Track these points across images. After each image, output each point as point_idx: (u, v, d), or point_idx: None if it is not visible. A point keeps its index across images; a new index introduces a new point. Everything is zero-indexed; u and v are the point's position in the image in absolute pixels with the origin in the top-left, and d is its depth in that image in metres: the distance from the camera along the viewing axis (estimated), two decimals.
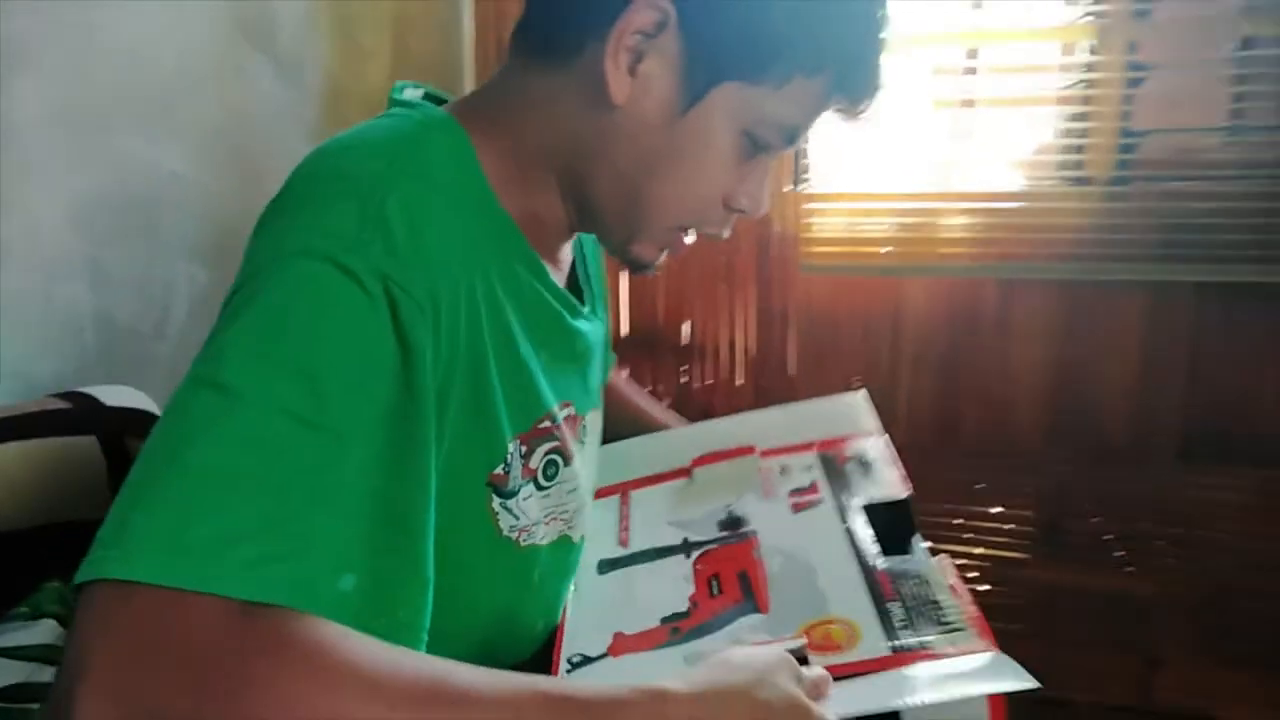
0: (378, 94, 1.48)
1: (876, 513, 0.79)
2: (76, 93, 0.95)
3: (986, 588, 1.76)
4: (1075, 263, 1.65)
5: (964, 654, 0.63)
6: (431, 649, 0.56)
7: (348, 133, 0.65)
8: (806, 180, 1.73)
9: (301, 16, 1.31)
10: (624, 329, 1.80)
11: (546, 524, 0.73)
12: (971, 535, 1.76)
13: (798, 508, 0.83)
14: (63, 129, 0.94)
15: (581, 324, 0.78)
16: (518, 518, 0.70)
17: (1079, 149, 1.66)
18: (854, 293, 1.76)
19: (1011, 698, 0.59)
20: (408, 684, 0.47)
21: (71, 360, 0.97)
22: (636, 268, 0.76)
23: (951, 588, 0.70)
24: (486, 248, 0.66)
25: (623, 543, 0.85)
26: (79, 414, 0.87)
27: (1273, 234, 1.56)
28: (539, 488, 0.72)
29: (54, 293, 0.94)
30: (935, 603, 0.68)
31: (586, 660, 0.71)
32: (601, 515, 0.88)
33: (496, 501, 0.67)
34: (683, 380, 1.82)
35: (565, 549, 0.77)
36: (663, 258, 0.75)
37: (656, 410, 1.08)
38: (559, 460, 0.73)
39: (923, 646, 0.64)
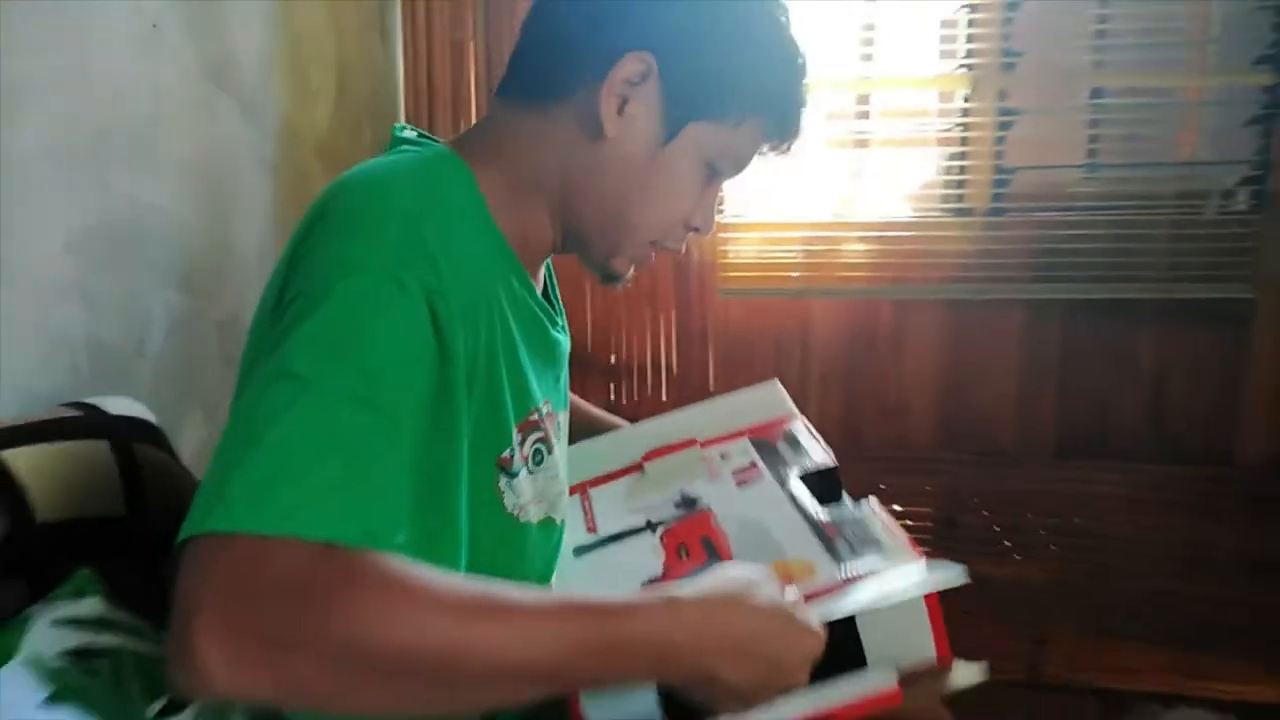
0: (323, 132, 1.59)
1: (810, 480, 0.92)
2: (68, 130, 1.03)
3: None
4: (960, 284, 1.84)
5: (901, 568, 0.76)
6: None
7: (371, 166, 0.75)
8: (721, 210, 1.88)
9: (261, 60, 1.41)
10: None
11: (535, 505, 0.83)
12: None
13: (742, 483, 0.95)
14: (56, 164, 1.01)
15: (558, 334, 0.89)
16: (518, 497, 0.80)
17: (959, 184, 1.86)
18: (766, 314, 1.92)
19: None
20: (465, 599, 0.58)
21: (66, 376, 1.03)
22: (610, 279, 0.87)
23: (884, 524, 0.83)
24: (493, 264, 0.77)
25: (591, 530, 0.95)
26: (89, 421, 0.94)
27: (1128, 256, 1.78)
28: (529, 471, 0.81)
29: (51, 314, 1.01)
30: (875, 539, 0.81)
31: None
32: (568, 512, 0.96)
33: (503, 480, 0.78)
34: (611, 398, 1.94)
35: (549, 529, 0.87)
36: (632, 271, 0.87)
37: (600, 414, 1.19)
38: (543, 449, 0.83)
39: (869, 570, 0.77)
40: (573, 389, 1.02)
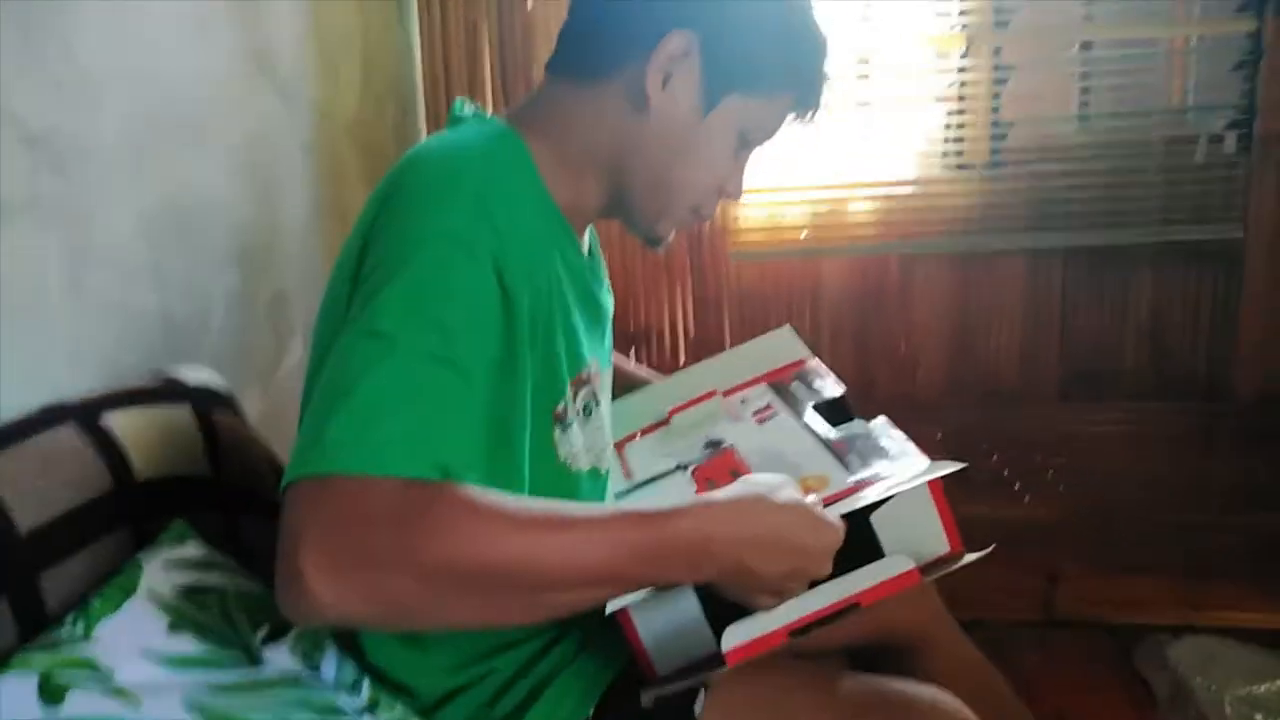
0: (351, 113, 1.66)
1: (822, 409, 0.99)
2: (135, 120, 1.10)
3: None
4: (963, 237, 1.91)
5: (905, 465, 0.84)
6: None
7: (438, 143, 0.82)
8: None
9: (295, 48, 1.48)
10: None
11: (585, 454, 0.90)
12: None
13: (761, 420, 1.02)
14: (127, 152, 1.09)
15: (603, 295, 0.97)
16: (571, 446, 0.86)
17: (959, 140, 1.93)
18: (778, 275, 1.99)
19: None
20: (535, 515, 0.66)
21: (143, 351, 1.11)
22: (654, 243, 0.94)
23: (890, 436, 0.91)
24: (549, 231, 0.84)
25: (627, 477, 1.03)
26: (172, 390, 1.02)
27: (1123, 203, 1.86)
28: (580, 424, 0.88)
29: (129, 294, 1.09)
30: (882, 449, 0.89)
31: None
32: None
33: (558, 431, 0.84)
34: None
35: (596, 477, 0.94)
36: (673, 235, 0.95)
37: (633, 369, 1.27)
38: (592, 403, 0.90)
39: (876, 475, 0.85)
40: None
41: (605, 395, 0.98)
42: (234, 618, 0.84)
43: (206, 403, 1.04)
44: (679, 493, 0.95)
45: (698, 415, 1.08)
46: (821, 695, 0.93)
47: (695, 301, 1.99)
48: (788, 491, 0.75)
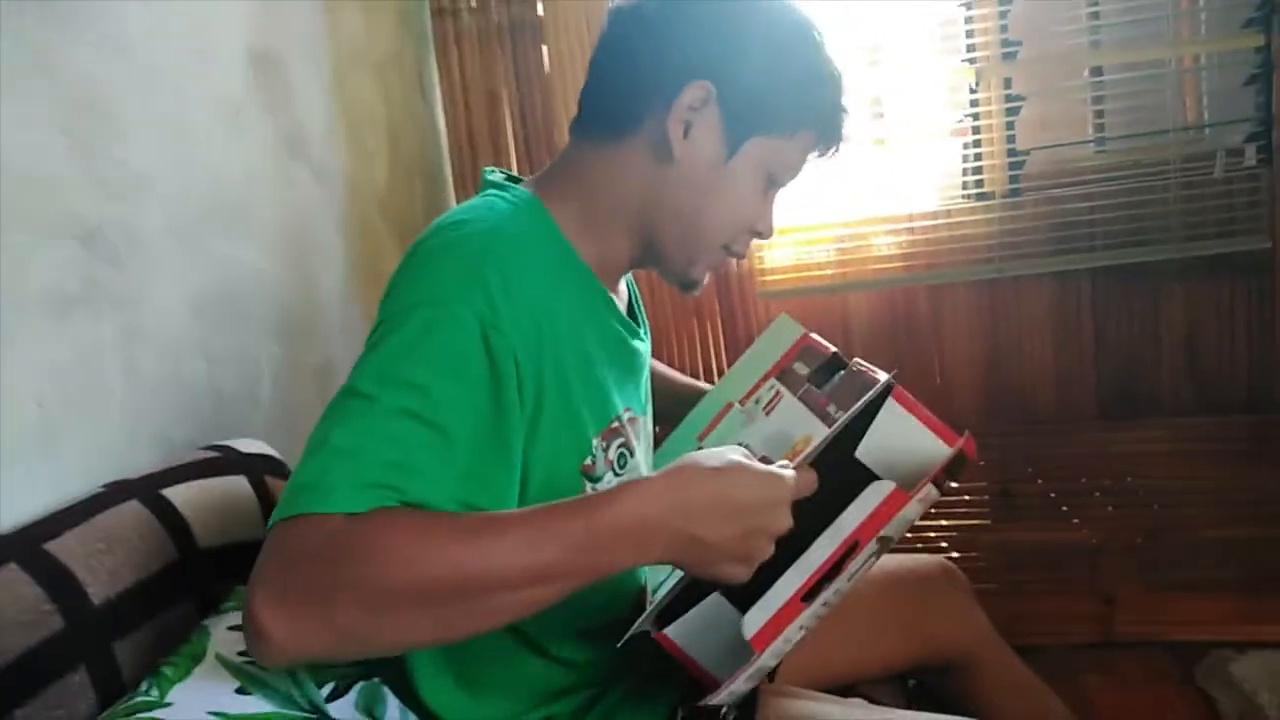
0: (381, 188, 1.72)
1: (817, 375, 1.00)
2: (181, 208, 1.16)
3: (955, 554, 1.99)
4: (988, 264, 1.92)
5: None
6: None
7: (457, 211, 0.85)
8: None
9: (325, 128, 1.55)
10: None
11: None
12: (935, 509, 1.98)
13: (769, 410, 1.03)
14: (175, 238, 1.14)
15: (638, 344, 0.98)
16: None
17: (977, 171, 1.95)
18: (805, 312, 2.00)
19: None
20: (463, 526, 0.67)
21: (195, 425, 1.16)
22: (689, 287, 0.96)
23: (865, 376, 0.91)
24: (571, 291, 0.86)
25: None
26: (227, 460, 1.07)
27: (1145, 221, 1.86)
28: (615, 474, 0.89)
29: (181, 371, 1.14)
30: (860, 393, 0.86)
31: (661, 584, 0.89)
32: None
33: (589, 486, 0.85)
34: None
35: None
36: (707, 278, 0.97)
37: (681, 378, 1.31)
38: (627, 453, 0.91)
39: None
40: None
41: (642, 442, 0.99)
42: (298, 676, 0.86)
43: (260, 471, 1.08)
44: None
45: (722, 432, 1.09)
46: None
47: (726, 341, 2.01)
48: (726, 455, 0.73)
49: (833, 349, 1.02)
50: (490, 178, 0.93)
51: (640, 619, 0.80)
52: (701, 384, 1.27)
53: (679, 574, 0.77)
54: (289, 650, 0.63)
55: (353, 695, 0.88)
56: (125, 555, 0.86)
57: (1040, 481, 1.97)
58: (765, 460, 0.76)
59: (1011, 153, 1.94)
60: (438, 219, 0.85)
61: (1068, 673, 1.80)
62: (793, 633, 0.77)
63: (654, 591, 0.85)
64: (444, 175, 2.02)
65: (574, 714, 0.92)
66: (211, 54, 1.26)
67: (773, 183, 0.92)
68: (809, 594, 0.76)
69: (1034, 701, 1.24)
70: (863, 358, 1.95)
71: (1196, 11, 1.89)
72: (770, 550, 0.73)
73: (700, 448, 1.07)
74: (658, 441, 1.13)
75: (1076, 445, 1.96)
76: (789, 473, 0.73)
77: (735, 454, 0.73)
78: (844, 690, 1.10)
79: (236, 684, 0.82)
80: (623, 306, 0.98)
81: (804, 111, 0.89)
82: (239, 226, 1.28)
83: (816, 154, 0.94)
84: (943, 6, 1.93)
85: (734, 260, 0.98)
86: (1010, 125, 1.93)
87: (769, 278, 2.00)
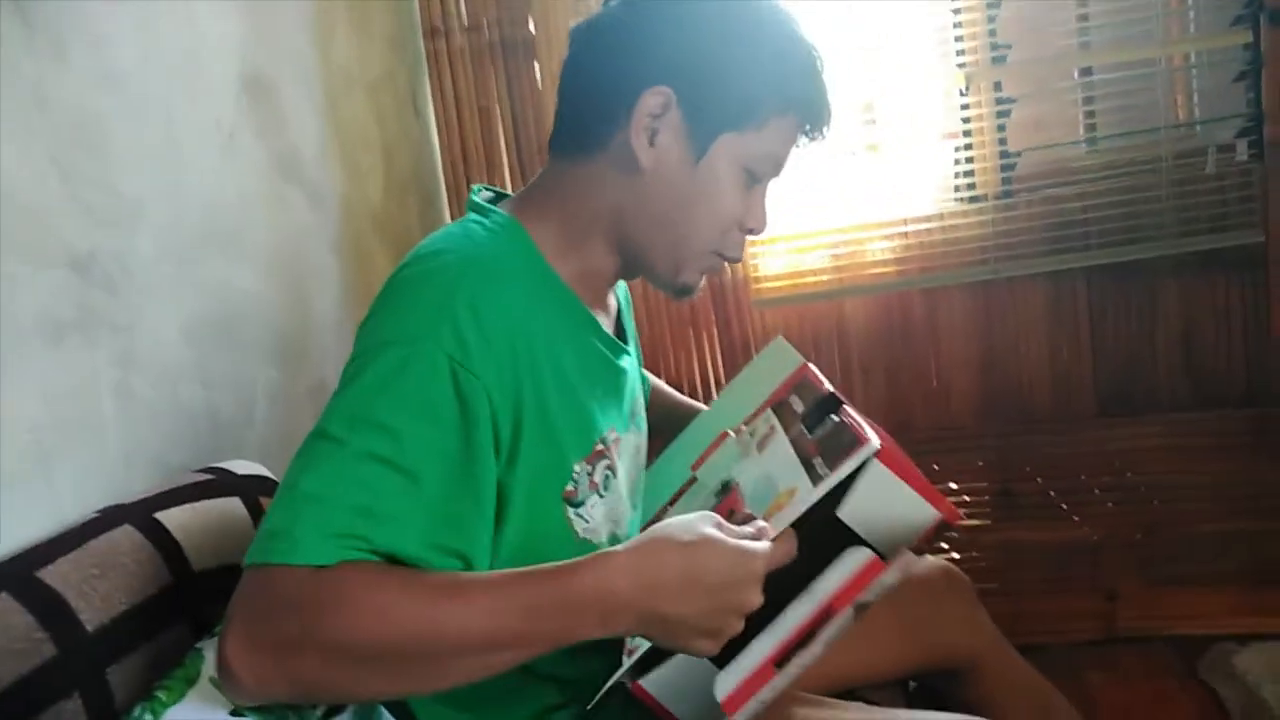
0: (376, 207, 1.74)
1: (811, 416, 0.93)
2: (175, 234, 1.18)
3: (956, 556, 1.99)
4: (983, 266, 1.93)
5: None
6: None
7: (434, 239, 0.85)
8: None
9: (319, 150, 1.57)
10: None
11: (605, 525, 0.89)
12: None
13: (761, 447, 0.98)
14: (169, 264, 1.16)
15: (624, 360, 0.97)
16: (588, 522, 0.86)
17: (970, 173, 1.96)
18: (802, 318, 2.02)
19: None
20: (429, 587, 0.68)
21: (191, 448, 1.17)
22: (682, 293, 0.94)
23: (852, 426, 0.83)
24: (551, 314, 0.85)
25: None
26: (221, 482, 1.08)
27: (1139, 219, 1.87)
28: (600, 496, 0.88)
29: (177, 396, 1.16)
30: (847, 445, 0.81)
31: None
32: None
33: (570, 512, 0.85)
34: None
35: (615, 543, 0.91)
36: (702, 282, 0.95)
37: (677, 396, 1.29)
38: (610, 474, 0.90)
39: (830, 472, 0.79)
40: None
41: (626, 460, 0.97)
42: None
43: (254, 493, 1.09)
44: None
45: (717, 460, 1.06)
46: None
47: (723, 351, 2.01)
48: (698, 528, 0.73)
49: (829, 388, 0.97)
50: (474, 199, 0.93)
51: (618, 672, 0.80)
52: (698, 404, 1.26)
53: None
54: (255, 694, 0.66)
55: (347, 715, 0.89)
56: (119, 580, 0.87)
57: (1039, 480, 1.98)
58: (747, 517, 0.76)
59: (1003, 154, 1.95)
60: (416, 247, 0.85)
61: (1071, 670, 1.80)
62: (766, 694, 0.77)
63: (631, 638, 0.83)
64: (439, 193, 2.04)
65: None
66: (203, 80, 1.28)
67: (753, 177, 0.90)
68: (782, 660, 0.76)
69: (1040, 702, 1.24)
70: (860, 363, 2.01)
71: (1185, 10, 1.90)
72: (740, 627, 0.73)
73: (694, 478, 1.06)
74: (650, 459, 1.12)
75: (1075, 443, 1.96)
76: (763, 546, 0.73)
77: (707, 525, 0.73)
78: (844, 697, 1.10)
79: (230, 707, 0.84)
80: (610, 322, 0.98)
81: (770, 100, 0.86)
82: (233, 251, 1.30)
83: (805, 139, 0.91)
84: (932, 11, 1.93)
85: (728, 268, 0.96)
86: (1001, 127, 1.94)
87: (764, 285, 2.00)
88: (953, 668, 1.23)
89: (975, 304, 1.97)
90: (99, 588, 0.85)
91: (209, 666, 0.87)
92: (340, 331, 1.57)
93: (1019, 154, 1.95)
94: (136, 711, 0.79)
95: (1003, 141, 1.95)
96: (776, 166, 0.91)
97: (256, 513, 1.08)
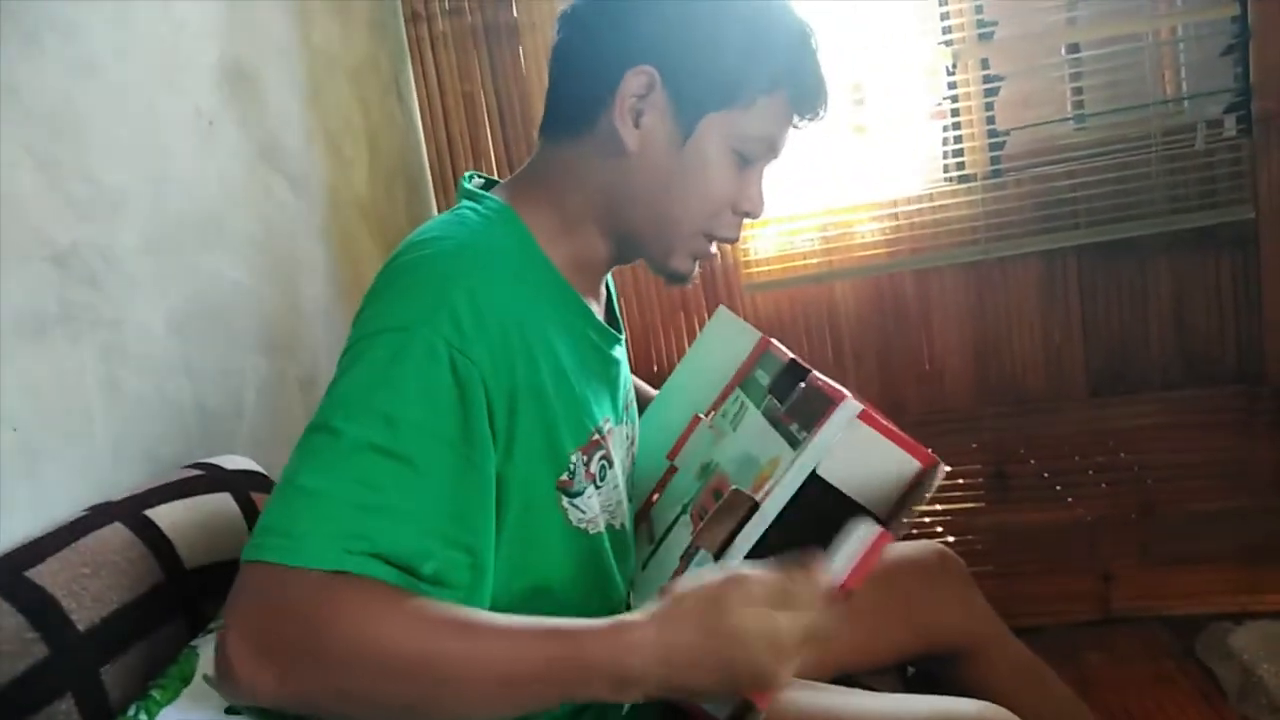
0: (362, 194, 1.72)
1: (778, 386, 0.94)
2: (157, 225, 1.15)
3: (951, 539, 1.99)
4: (973, 246, 1.92)
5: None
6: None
7: (429, 227, 0.84)
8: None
9: (303, 138, 1.54)
10: None
11: (602, 515, 0.89)
12: (930, 494, 1.98)
13: (735, 424, 0.98)
14: (152, 255, 1.14)
15: (616, 350, 0.96)
16: (584, 512, 0.85)
17: (958, 153, 1.94)
18: (793, 302, 2.01)
19: None
20: (442, 616, 0.67)
21: (180, 442, 1.15)
22: (676, 279, 0.92)
23: (824, 390, 0.84)
24: (546, 301, 0.84)
25: (650, 541, 1.01)
26: (212, 478, 1.06)
27: (1129, 197, 1.86)
28: (595, 487, 0.87)
29: (164, 389, 1.14)
30: (813, 403, 0.83)
31: None
32: (639, 540, 1.02)
33: (565, 501, 0.84)
34: None
35: (614, 534, 0.92)
36: (696, 268, 0.93)
37: (638, 384, 1.24)
38: (606, 465, 0.89)
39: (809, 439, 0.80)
40: None
41: (619, 450, 0.95)
42: None
43: (244, 488, 1.08)
44: (680, 539, 0.93)
45: (694, 446, 1.05)
46: (871, 716, 0.93)
47: None
48: (733, 608, 0.68)
49: (790, 355, 0.96)
50: (466, 186, 0.91)
51: None
52: (649, 388, 1.23)
53: None
54: (250, 695, 0.65)
55: None
56: (110, 579, 0.85)
57: (1033, 462, 1.97)
58: (736, 493, 0.75)
59: (992, 133, 1.94)
60: (410, 235, 0.84)
61: (1068, 651, 1.81)
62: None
63: None
64: (424, 178, 2.01)
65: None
66: (182, 68, 1.25)
67: (745, 159, 0.88)
68: None
69: (1037, 684, 1.24)
70: (852, 347, 2.00)
71: None
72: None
73: (674, 467, 1.04)
74: None
75: (1068, 424, 1.96)
76: (797, 630, 0.68)
77: (739, 600, 0.68)
78: (842, 683, 1.10)
79: (225, 705, 0.82)
80: (601, 309, 0.97)
81: (755, 78, 0.84)
82: (216, 240, 1.27)
83: (800, 118, 0.89)
84: None
85: (719, 252, 0.94)
86: (989, 106, 1.93)
87: (755, 270, 1.99)
88: (950, 651, 1.23)
89: (967, 285, 1.96)
90: (90, 586, 0.83)
91: (203, 664, 0.85)
92: (329, 320, 1.54)
93: (1008, 132, 1.94)
94: (131, 711, 0.78)
95: (991, 120, 1.94)
96: (771, 148, 0.89)
97: (247, 508, 1.06)
